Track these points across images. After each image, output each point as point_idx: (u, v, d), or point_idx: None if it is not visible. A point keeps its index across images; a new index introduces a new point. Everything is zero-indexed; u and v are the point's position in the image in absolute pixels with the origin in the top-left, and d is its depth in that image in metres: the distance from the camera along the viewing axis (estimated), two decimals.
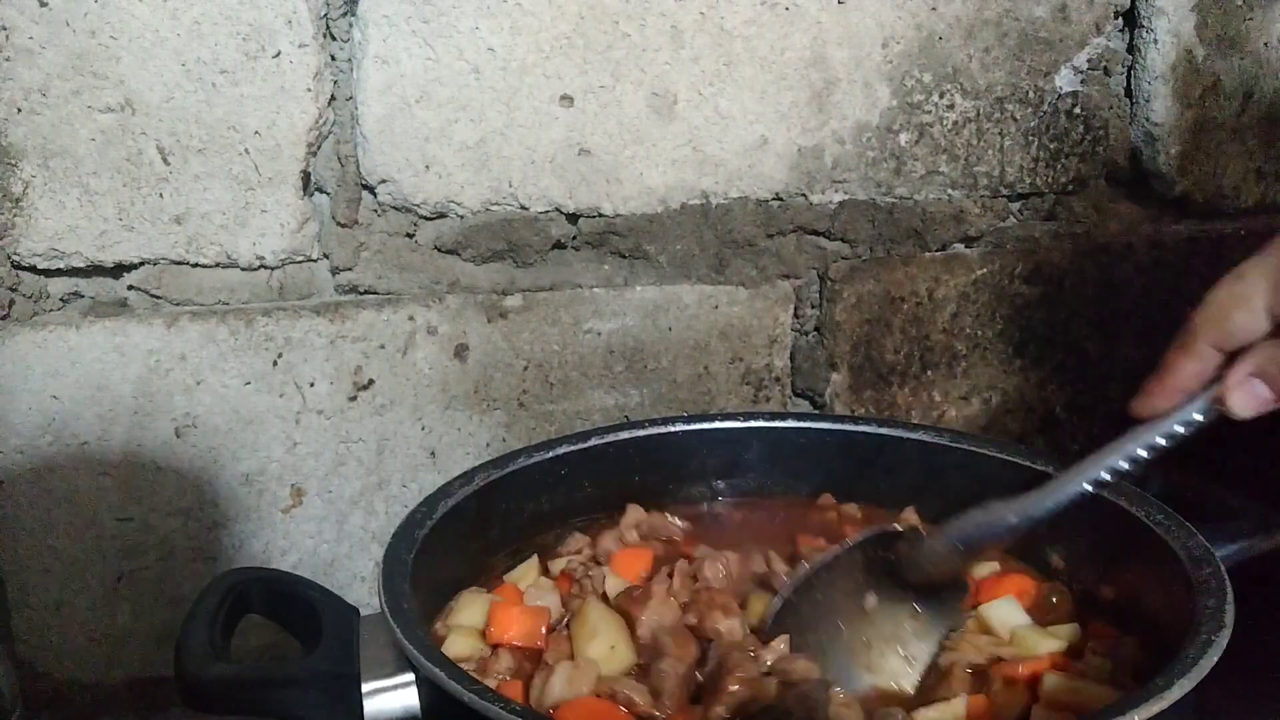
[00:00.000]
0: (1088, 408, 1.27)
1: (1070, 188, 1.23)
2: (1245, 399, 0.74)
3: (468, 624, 0.80)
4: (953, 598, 0.83)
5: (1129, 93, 1.22)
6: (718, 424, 1.02)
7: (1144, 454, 0.78)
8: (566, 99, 1.07)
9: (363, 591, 1.10)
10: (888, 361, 1.20)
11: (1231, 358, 0.76)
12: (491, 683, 0.74)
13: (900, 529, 0.86)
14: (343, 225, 1.07)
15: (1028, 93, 1.18)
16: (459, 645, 0.78)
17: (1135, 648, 0.76)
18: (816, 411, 1.20)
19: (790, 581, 0.84)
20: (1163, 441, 0.77)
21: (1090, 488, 0.79)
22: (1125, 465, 0.78)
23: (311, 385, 1.06)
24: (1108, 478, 0.78)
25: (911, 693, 0.78)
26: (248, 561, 1.07)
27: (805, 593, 0.83)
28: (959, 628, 0.81)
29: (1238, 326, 0.74)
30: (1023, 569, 0.90)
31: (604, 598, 0.85)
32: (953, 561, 0.82)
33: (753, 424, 1.02)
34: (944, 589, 0.83)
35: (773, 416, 1.03)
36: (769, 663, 0.75)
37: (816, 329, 1.19)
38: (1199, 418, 0.77)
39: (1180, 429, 0.77)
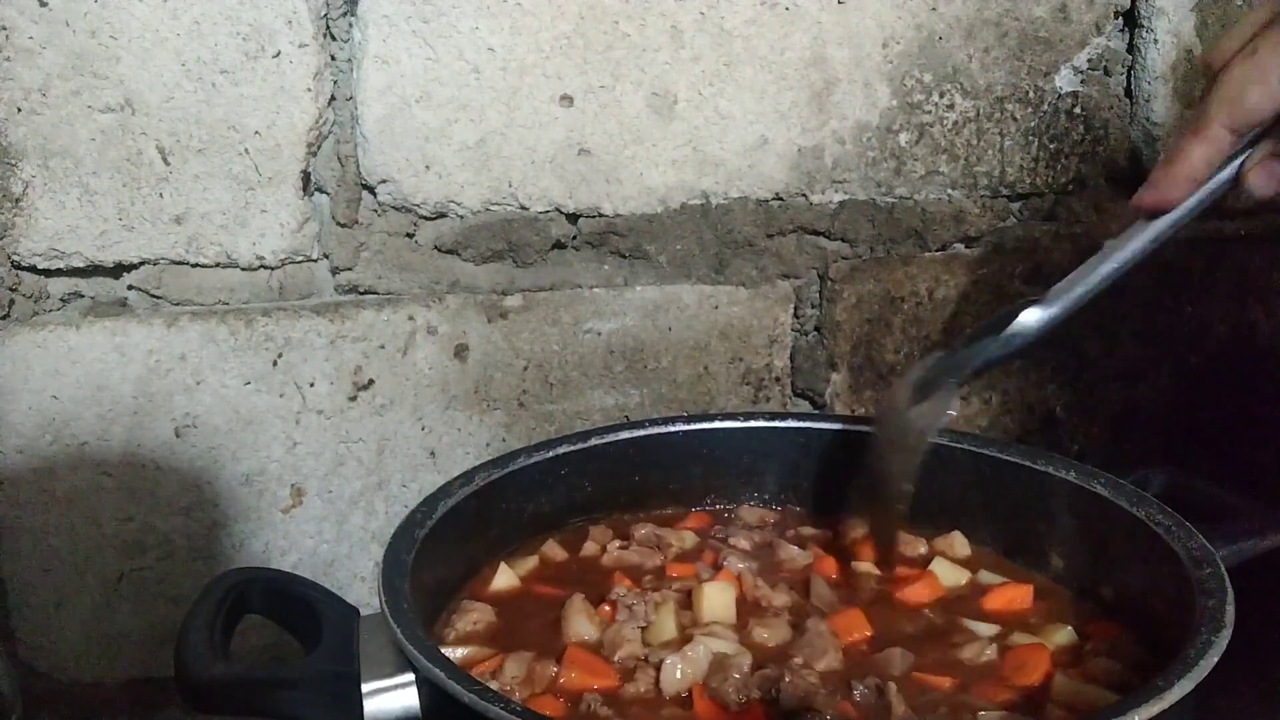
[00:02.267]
0: (1088, 408, 1.27)
1: (1070, 188, 1.23)
2: (1266, 179, 0.72)
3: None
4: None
5: (1129, 93, 1.22)
6: (718, 424, 1.02)
7: (1149, 247, 0.78)
8: (566, 99, 1.07)
9: (363, 591, 1.10)
10: (888, 361, 1.20)
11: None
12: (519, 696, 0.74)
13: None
14: (343, 225, 1.07)
15: (1028, 93, 1.18)
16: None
17: (1138, 649, 0.76)
18: (816, 411, 1.20)
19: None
20: (1167, 231, 0.76)
21: (1107, 281, 0.80)
22: (1133, 257, 0.78)
23: (311, 385, 1.06)
24: (1117, 268, 0.79)
25: None
26: (248, 561, 1.07)
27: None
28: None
29: (1253, 104, 0.71)
30: (1022, 576, 0.90)
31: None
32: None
33: (753, 424, 1.02)
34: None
35: (773, 416, 1.03)
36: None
37: (816, 329, 1.19)
38: (1203, 199, 0.75)
39: (1184, 216, 0.75)
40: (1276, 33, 0.70)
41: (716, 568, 0.90)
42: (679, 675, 0.75)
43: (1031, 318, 0.83)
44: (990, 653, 0.78)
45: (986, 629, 0.82)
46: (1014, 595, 0.87)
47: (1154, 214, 0.77)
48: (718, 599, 0.83)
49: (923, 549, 0.94)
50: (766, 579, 0.88)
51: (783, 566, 0.92)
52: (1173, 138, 0.74)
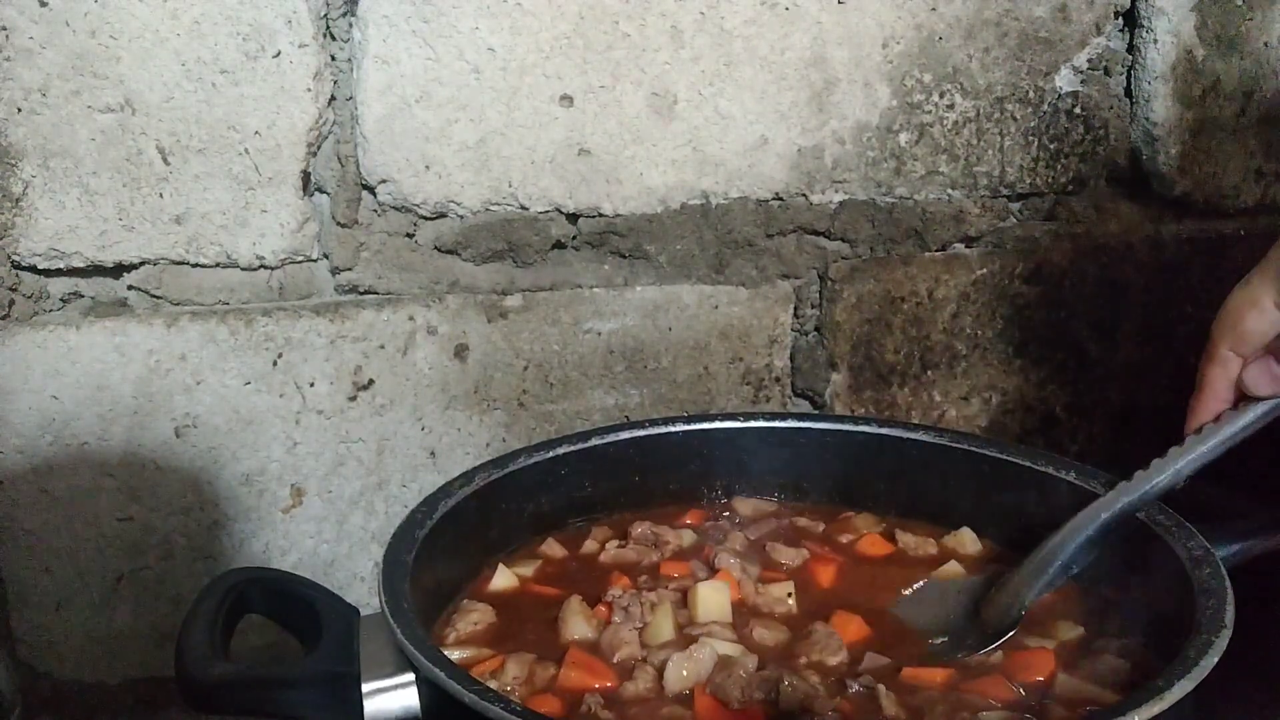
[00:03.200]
0: (1088, 408, 1.27)
1: (1070, 188, 1.23)
2: (1260, 378, 0.78)
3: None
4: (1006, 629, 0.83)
5: (1129, 93, 1.22)
6: (718, 424, 1.02)
7: (1195, 466, 0.81)
8: (566, 99, 1.07)
9: (363, 591, 1.10)
10: (888, 361, 1.20)
11: None
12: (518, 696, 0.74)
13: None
14: (343, 225, 1.07)
15: (1028, 93, 1.18)
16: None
17: (1146, 649, 0.76)
18: (816, 411, 1.20)
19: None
20: (1212, 451, 0.80)
21: (1146, 501, 0.81)
22: (1182, 477, 0.81)
23: (311, 385, 1.06)
24: (1160, 490, 0.81)
25: None
26: (248, 561, 1.07)
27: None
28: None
29: (1251, 328, 0.77)
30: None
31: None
32: (1018, 594, 0.83)
33: (753, 424, 1.02)
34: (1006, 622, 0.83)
35: (773, 416, 1.03)
36: None
37: (816, 329, 1.19)
38: (1245, 421, 0.80)
39: (1232, 430, 0.80)
40: (1266, 261, 0.77)
41: (712, 567, 0.90)
42: (683, 674, 0.75)
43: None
44: (997, 655, 0.78)
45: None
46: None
47: (1201, 432, 0.82)
48: (713, 599, 0.83)
49: (933, 549, 0.94)
50: (763, 578, 0.89)
51: (780, 565, 0.92)
52: (1198, 369, 0.83)
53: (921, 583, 0.89)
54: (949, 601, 0.87)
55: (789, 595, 0.86)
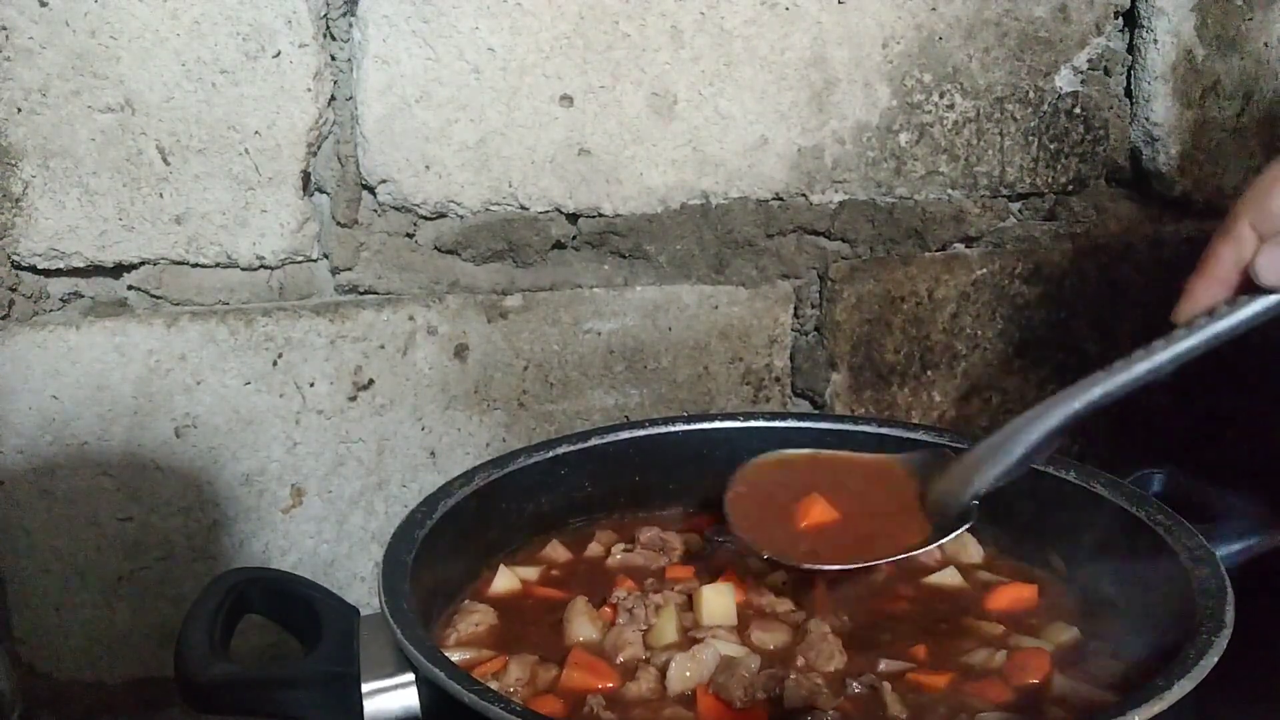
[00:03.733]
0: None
1: (1070, 188, 1.23)
2: (1272, 264, 0.69)
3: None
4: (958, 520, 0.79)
5: (1129, 93, 1.22)
6: (718, 424, 1.02)
7: (1179, 361, 0.73)
8: (566, 99, 1.07)
9: (363, 591, 1.10)
10: (888, 361, 1.20)
11: None
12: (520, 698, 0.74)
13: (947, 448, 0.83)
14: (343, 225, 1.07)
15: (1028, 93, 1.18)
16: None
17: (1143, 649, 0.76)
18: (816, 411, 1.20)
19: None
20: (1201, 343, 0.72)
21: (1124, 391, 0.74)
22: (1162, 367, 0.73)
23: (311, 385, 1.06)
24: (1139, 380, 0.73)
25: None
26: (248, 561, 1.07)
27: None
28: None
29: (1279, 206, 0.69)
30: (1022, 572, 0.90)
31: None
32: (968, 481, 0.78)
33: (753, 424, 1.02)
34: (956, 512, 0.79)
35: (773, 416, 1.03)
36: None
37: (816, 329, 1.19)
38: (1257, 307, 0.71)
39: (1237, 320, 0.71)
40: None
41: (716, 571, 0.90)
42: (686, 674, 0.75)
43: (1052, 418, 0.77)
44: (999, 658, 0.78)
45: (993, 628, 0.82)
46: (1019, 594, 0.87)
47: (1191, 324, 0.74)
48: (718, 602, 0.83)
49: (936, 552, 0.93)
50: (765, 579, 0.89)
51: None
52: (1208, 244, 0.74)
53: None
54: (877, 489, 0.83)
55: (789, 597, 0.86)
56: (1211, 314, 0.72)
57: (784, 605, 0.85)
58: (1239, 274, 0.72)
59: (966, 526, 0.77)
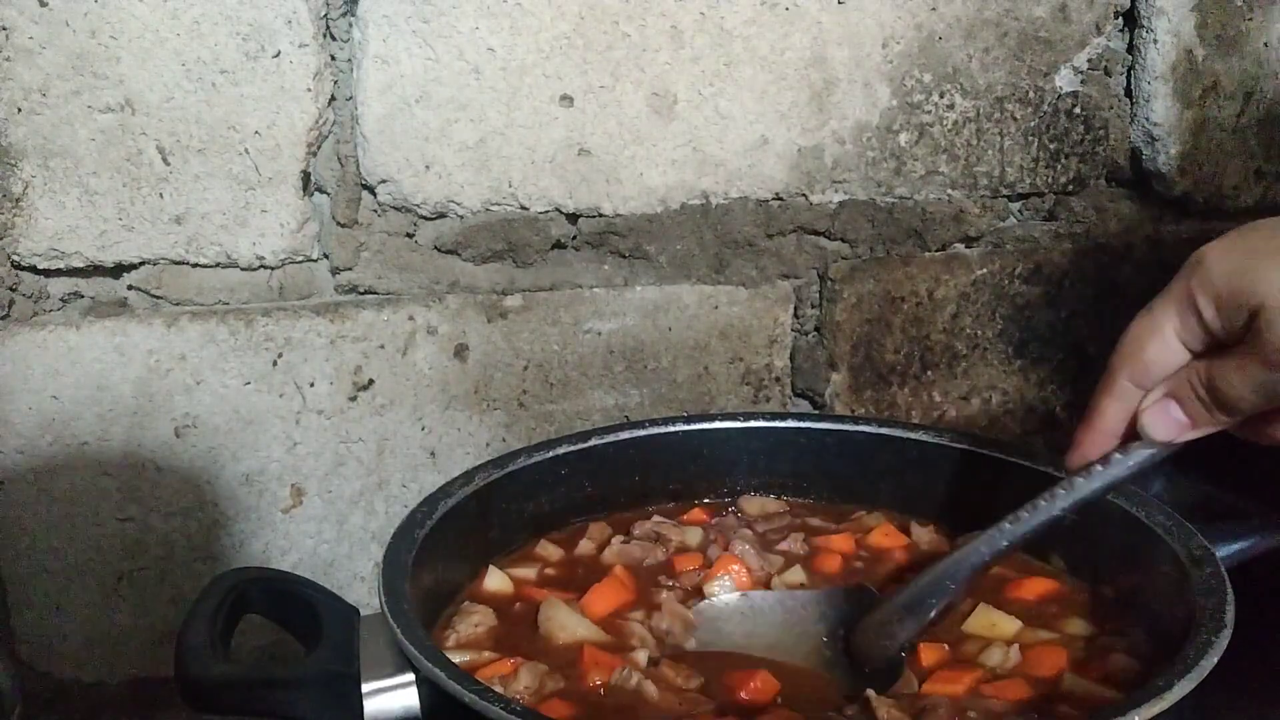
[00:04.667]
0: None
1: (1070, 188, 1.23)
2: (1157, 420, 0.72)
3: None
4: (888, 674, 0.78)
5: (1129, 93, 1.22)
6: (718, 424, 1.02)
7: (1085, 499, 0.75)
8: (566, 99, 1.07)
9: (363, 591, 1.10)
10: (888, 361, 1.20)
11: None
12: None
13: (854, 586, 0.85)
14: (343, 225, 1.07)
15: (1028, 93, 1.18)
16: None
17: (1155, 648, 0.76)
18: (816, 411, 1.20)
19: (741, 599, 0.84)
20: (1118, 477, 0.75)
21: (1029, 537, 0.77)
22: (1064, 511, 0.75)
23: (311, 385, 1.06)
24: (1044, 526, 0.76)
25: None
26: (248, 561, 1.07)
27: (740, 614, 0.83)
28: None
29: (1153, 359, 0.72)
30: (1024, 571, 0.90)
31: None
32: (892, 633, 0.78)
33: (753, 424, 1.02)
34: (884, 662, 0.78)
35: (773, 416, 1.03)
36: None
37: (816, 329, 1.19)
38: (1145, 455, 0.74)
39: (1125, 472, 0.74)
40: (1169, 288, 0.72)
41: (725, 548, 0.90)
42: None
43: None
44: (1014, 655, 0.77)
45: (1007, 622, 0.82)
46: (1043, 587, 0.87)
47: (1080, 472, 0.76)
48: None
49: (947, 548, 0.93)
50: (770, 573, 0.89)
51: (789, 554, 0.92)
52: (1090, 399, 0.76)
53: (747, 593, 0.85)
54: (798, 619, 0.83)
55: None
56: (1106, 462, 0.74)
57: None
58: (1126, 425, 0.74)
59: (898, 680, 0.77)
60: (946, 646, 0.79)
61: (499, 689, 0.72)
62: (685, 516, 0.99)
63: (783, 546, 0.93)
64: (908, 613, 0.78)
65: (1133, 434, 0.74)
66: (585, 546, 0.94)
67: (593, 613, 0.83)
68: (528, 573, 0.90)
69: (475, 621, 0.83)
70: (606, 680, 0.75)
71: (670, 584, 0.88)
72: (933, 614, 0.78)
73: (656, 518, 0.97)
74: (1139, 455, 0.74)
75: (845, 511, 0.99)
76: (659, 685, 0.74)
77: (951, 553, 0.79)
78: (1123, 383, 0.74)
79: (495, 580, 0.88)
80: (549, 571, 0.91)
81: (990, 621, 0.81)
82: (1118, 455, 0.74)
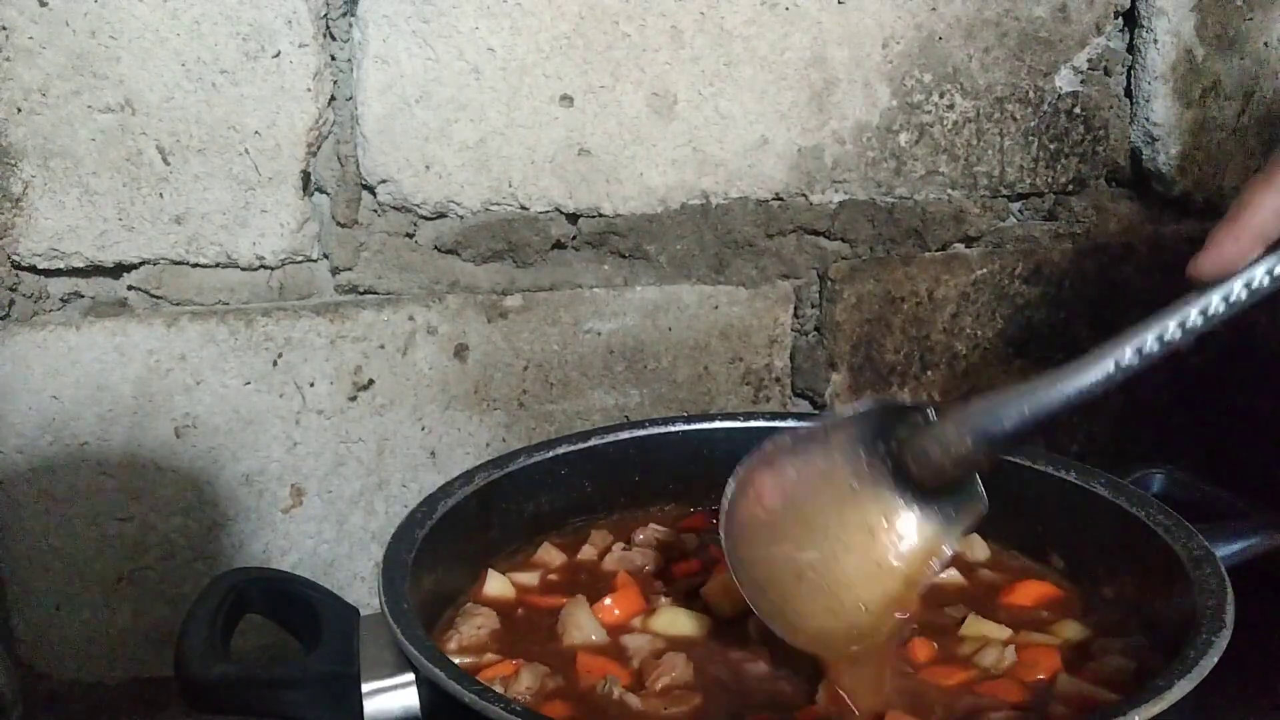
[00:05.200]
0: (1088, 408, 1.26)
1: (1070, 188, 1.23)
2: None
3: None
4: (963, 503, 0.69)
5: (1129, 93, 1.22)
6: (718, 424, 1.02)
7: (1209, 315, 0.61)
8: (566, 99, 1.07)
9: (363, 591, 1.10)
10: (888, 361, 1.20)
11: None
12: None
13: (907, 404, 0.72)
14: (343, 225, 1.07)
15: (1028, 93, 1.18)
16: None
17: (1151, 649, 0.76)
18: (817, 411, 1.20)
19: (759, 454, 0.74)
20: (1239, 298, 0.61)
21: (1133, 359, 0.64)
22: (1178, 333, 0.62)
23: (311, 385, 1.06)
24: (1156, 348, 0.63)
25: (908, 605, 0.68)
26: (248, 561, 1.07)
27: (773, 470, 0.72)
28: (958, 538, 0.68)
29: None
30: (1025, 570, 0.90)
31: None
32: (965, 451, 0.67)
33: (753, 424, 1.02)
34: (950, 490, 0.69)
35: (773, 416, 1.03)
36: None
37: (816, 329, 1.19)
38: (1272, 276, 0.59)
39: (1263, 283, 0.59)
40: None
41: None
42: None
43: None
44: (1010, 655, 0.77)
45: (999, 631, 0.81)
46: (1040, 591, 0.87)
47: (1213, 282, 0.62)
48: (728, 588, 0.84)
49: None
50: None
51: None
52: (1242, 189, 0.61)
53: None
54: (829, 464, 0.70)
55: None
56: (1243, 272, 0.59)
57: None
58: (1275, 226, 0.61)
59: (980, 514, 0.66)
60: (935, 645, 0.79)
61: (500, 690, 0.72)
62: (685, 523, 0.99)
63: None
64: (984, 440, 0.67)
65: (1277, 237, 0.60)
66: (587, 552, 0.94)
67: (606, 620, 0.83)
68: (530, 579, 0.90)
69: (478, 624, 0.83)
70: (592, 686, 0.75)
71: (668, 590, 0.87)
72: (1005, 443, 0.67)
73: (653, 525, 0.96)
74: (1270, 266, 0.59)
75: None
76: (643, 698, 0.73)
77: (1032, 388, 0.68)
78: None
79: (496, 584, 0.88)
80: (551, 577, 0.91)
81: (980, 633, 0.81)
82: (1262, 263, 0.59)
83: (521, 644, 0.81)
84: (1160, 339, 0.64)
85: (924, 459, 0.69)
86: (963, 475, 0.69)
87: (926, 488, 0.69)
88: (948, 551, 0.69)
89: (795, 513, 0.71)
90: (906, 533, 0.70)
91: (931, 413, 0.71)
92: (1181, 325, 0.63)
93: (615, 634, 0.82)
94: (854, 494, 0.70)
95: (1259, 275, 0.60)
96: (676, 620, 0.82)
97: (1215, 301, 0.62)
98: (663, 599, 0.85)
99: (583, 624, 0.81)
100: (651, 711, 0.72)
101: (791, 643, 0.71)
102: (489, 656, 0.79)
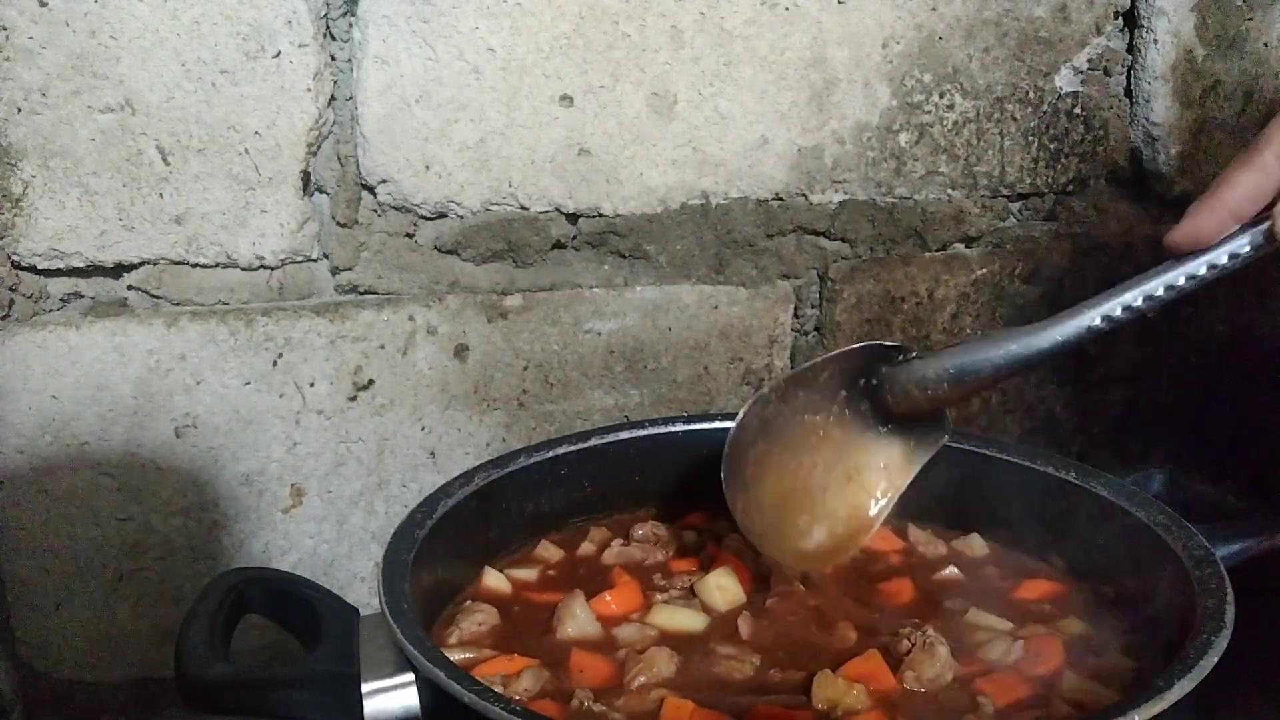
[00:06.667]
0: (1088, 408, 1.27)
1: (1070, 188, 1.23)
2: None
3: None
4: (930, 432, 0.76)
5: (1129, 93, 1.22)
6: (718, 424, 1.01)
7: (1173, 288, 0.66)
8: (566, 99, 1.07)
9: (363, 591, 1.10)
10: None
11: None
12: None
13: (888, 345, 0.79)
14: (343, 225, 1.07)
15: (1028, 93, 1.18)
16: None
17: (1152, 649, 0.76)
18: None
19: (758, 395, 0.81)
20: (1200, 273, 0.65)
21: (1101, 323, 0.69)
22: (1142, 302, 0.67)
23: (311, 385, 1.06)
24: (1121, 314, 0.68)
25: (875, 521, 0.76)
26: (248, 561, 1.07)
27: (772, 407, 0.79)
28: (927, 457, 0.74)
29: None
30: (1025, 570, 0.90)
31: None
32: (939, 390, 0.73)
33: None
34: (923, 421, 0.76)
35: None
36: None
37: (816, 329, 1.19)
38: (1246, 249, 0.63)
39: (1223, 261, 0.64)
40: None
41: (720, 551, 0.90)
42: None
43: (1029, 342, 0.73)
44: (1017, 650, 0.77)
45: (1001, 624, 0.81)
46: (1042, 589, 0.87)
47: (1186, 253, 0.66)
48: (727, 585, 0.85)
49: (943, 549, 0.94)
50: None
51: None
52: (1224, 170, 0.64)
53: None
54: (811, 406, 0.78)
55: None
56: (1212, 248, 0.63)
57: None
58: (1254, 208, 0.64)
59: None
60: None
61: (500, 689, 0.72)
62: (685, 520, 0.99)
63: None
64: (957, 377, 0.72)
65: (1254, 223, 0.63)
66: (585, 548, 0.94)
67: (603, 614, 0.83)
68: (529, 575, 0.90)
69: (479, 620, 0.83)
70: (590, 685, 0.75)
71: (666, 586, 0.88)
72: (971, 385, 0.73)
73: (653, 522, 0.97)
74: (1250, 243, 0.63)
75: None
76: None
77: (1004, 340, 0.72)
78: (1268, 157, 0.63)
79: (493, 580, 0.88)
80: (550, 573, 0.91)
81: (987, 625, 0.81)
82: (1229, 242, 0.63)
83: (519, 639, 0.81)
84: (1128, 306, 0.69)
85: (901, 394, 0.77)
86: (935, 410, 0.76)
87: (901, 418, 0.77)
88: (913, 469, 0.77)
89: (781, 444, 0.80)
90: (878, 454, 0.79)
91: (911, 352, 0.78)
92: (1150, 293, 0.68)
93: (610, 628, 0.82)
94: (833, 423, 0.79)
95: (1232, 248, 0.64)
96: (674, 616, 0.83)
97: (1188, 270, 0.67)
98: (659, 595, 0.86)
99: (577, 617, 0.81)
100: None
101: (780, 562, 0.81)
102: (487, 652, 0.79)
